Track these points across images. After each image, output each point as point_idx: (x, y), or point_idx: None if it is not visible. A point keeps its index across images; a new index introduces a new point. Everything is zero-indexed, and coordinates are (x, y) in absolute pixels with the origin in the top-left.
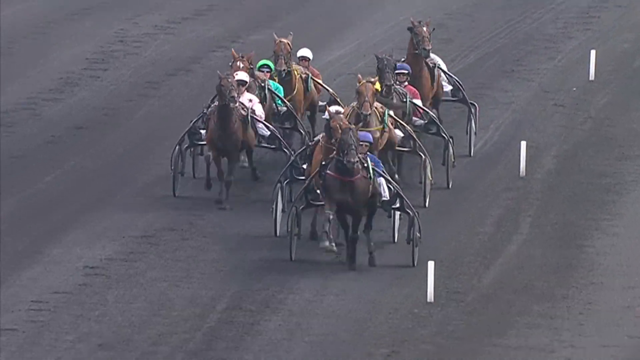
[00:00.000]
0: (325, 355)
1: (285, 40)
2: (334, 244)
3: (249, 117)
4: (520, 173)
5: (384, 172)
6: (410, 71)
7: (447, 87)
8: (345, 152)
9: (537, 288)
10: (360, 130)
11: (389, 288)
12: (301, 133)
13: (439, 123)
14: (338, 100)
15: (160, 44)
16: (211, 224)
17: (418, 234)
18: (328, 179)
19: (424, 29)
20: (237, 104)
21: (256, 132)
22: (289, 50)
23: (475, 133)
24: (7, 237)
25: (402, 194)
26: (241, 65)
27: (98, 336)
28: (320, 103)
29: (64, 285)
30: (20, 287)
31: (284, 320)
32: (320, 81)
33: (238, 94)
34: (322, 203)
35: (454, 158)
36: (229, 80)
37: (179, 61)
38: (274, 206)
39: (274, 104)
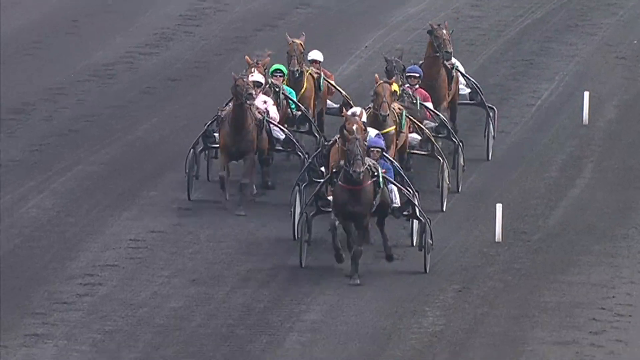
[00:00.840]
0: (406, 288)
1: (297, 41)
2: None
3: (265, 121)
4: (583, 121)
5: (400, 176)
6: (422, 74)
7: (465, 90)
8: (352, 162)
9: (598, 228)
10: (379, 133)
11: (459, 230)
12: (316, 136)
13: (449, 127)
14: (350, 102)
15: (248, 1)
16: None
17: (430, 241)
18: (336, 188)
19: (444, 31)
20: (254, 102)
21: (271, 135)
22: (302, 50)
23: (494, 137)
24: (109, 181)
25: (414, 201)
26: (255, 71)
27: (191, 272)
28: (333, 105)
29: (159, 225)
30: (121, 227)
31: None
32: (333, 82)
33: (254, 93)
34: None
35: (464, 162)
36: (245, 80)
37: (265, 17)
38: (292, 209)
39: (288, 109)
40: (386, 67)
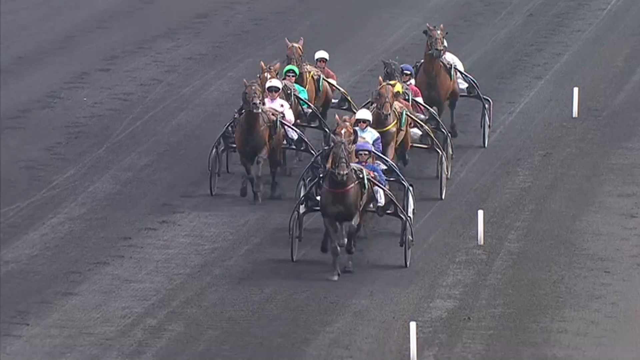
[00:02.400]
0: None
1: (297, 45)
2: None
3: (278, 122)
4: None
5: (394, 172)
6: (412, 72)
7: (463, 85)
8: (337, 164)
9: None
10: (378, 136)
11: (543, 110)
12: (325, 131)
13: (438, 119)
14: (349, 98)
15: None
16: None
17: (410, 237)
18: (322, 191)
19: (438, 32)
20: (260, 110)
21: (285, 134)
22: (300, 53)
23: (490, 126)
24: None
25: (396, 201)
26: (269, 76)
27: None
28: (333, 101)
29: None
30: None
31: None
32: (333, 81)
33: (261, 100)
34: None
35: (453, 151)
36: (253, 88)
37: None
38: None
39: (299, 107)
40: (386, 70)
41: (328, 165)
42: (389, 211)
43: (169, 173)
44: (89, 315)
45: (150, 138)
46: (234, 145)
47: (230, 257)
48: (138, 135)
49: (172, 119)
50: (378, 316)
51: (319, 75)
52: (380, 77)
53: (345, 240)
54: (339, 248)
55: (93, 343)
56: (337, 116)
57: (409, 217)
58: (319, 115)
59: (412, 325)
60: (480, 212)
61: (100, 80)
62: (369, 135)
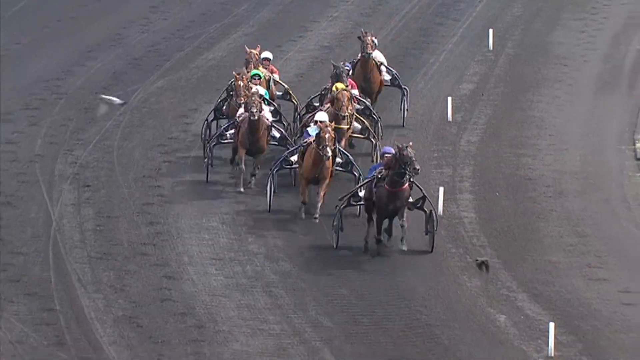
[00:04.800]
0: None
1: (254, 51)
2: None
3: (271, 126)
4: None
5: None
6: (350, 68)
7: (387, 77)
8: (408, 163)
9: None
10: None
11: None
12: (283, 124)
13: (371, 107)
14: (290, 92)
15: None
16: None
17: (435, 227)
18: (380, 191)
19: (369, 38)
20: (257, 117)
21: (269, 134)
22: (257, 58)
23: (407, 109)
24: None
25: (427, 196)
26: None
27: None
28: (278, 93)
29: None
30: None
31: None
32: (277, 77)
33: (259, 109)
34: (359, 204)
35: (382, 132)
36: (253, 98)
37: None
38: (267, 188)
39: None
40: (335, 72)
41: (380, 169)
42: (417, 205)
43: None
44: None
45: None
46: (226, 142)
47: None
48: None
49: None
50: None
51: (270, 77)
52: (337, 84)
53: (387, 236)
54: (382, 238)
55: None
56: (319, 122)
57: (432, 209)
58: (280, 112)
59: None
60: None
61: None
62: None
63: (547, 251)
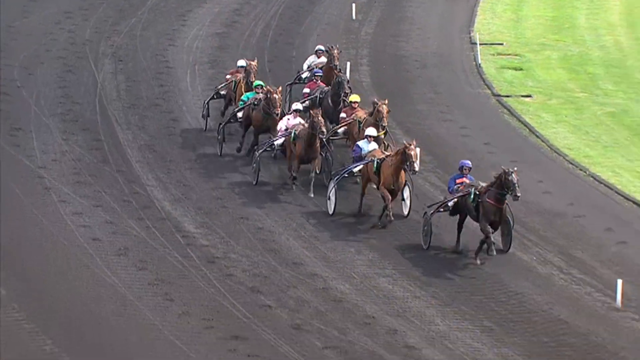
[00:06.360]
0: None
1: (253, 63)
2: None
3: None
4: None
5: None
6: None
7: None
8: (512, 188)
9: None
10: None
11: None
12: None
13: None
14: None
15: None
16: None
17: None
18: (486, 205)
19: (335, 51)
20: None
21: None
22: (256, 69)
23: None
24: None
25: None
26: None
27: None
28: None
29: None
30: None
31: None
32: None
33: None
34: (444, 210)
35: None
36: (319, 117)
37: None
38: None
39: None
40: (337, 80)
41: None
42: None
43: None
44: None
45: None
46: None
47: None
48: None
49: None
50: None
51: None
52: (375, 99)
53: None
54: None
55: None
56: (405, 141)
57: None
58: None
59: None
60: None
61: None
62: (374, 145)
63: (415, 101)
